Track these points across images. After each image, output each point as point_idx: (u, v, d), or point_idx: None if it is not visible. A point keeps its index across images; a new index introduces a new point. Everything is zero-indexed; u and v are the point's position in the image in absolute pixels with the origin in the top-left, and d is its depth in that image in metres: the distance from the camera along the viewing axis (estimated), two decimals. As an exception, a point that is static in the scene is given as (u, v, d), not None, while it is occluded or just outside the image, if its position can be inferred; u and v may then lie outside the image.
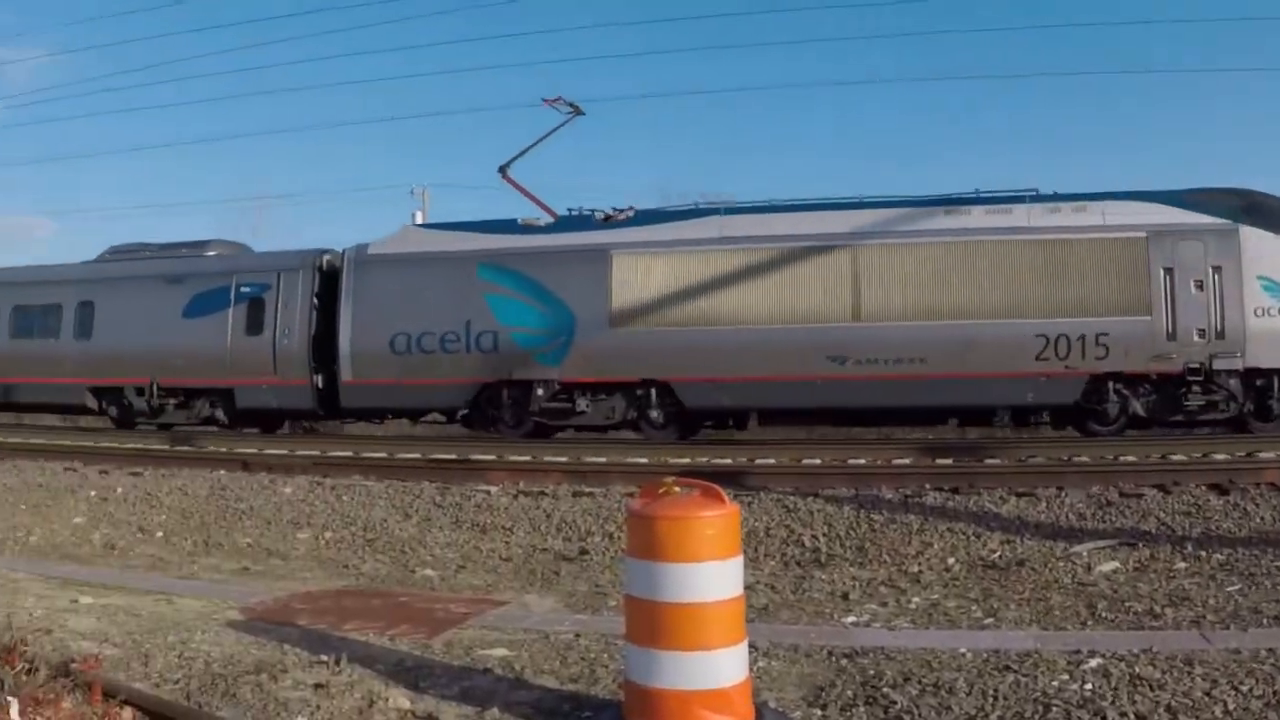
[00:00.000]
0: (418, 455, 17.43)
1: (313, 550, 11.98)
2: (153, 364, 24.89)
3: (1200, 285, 19.44)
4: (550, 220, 23.48)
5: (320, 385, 24.05)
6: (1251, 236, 19.53)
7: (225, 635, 7.76)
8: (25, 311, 26.89)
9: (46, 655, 6.18)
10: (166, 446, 19.16)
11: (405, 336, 22.77)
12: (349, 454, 17.59)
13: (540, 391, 22.43)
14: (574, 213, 23.47)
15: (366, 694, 6.19)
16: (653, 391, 22.09)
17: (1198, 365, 19.52)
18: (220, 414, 25.07)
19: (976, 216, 21.23)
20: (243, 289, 24.58)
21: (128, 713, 5.48)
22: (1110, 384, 20.25)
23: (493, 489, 13.85)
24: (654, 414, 22.19)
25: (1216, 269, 19.50)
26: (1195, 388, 19.70)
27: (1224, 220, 19.89)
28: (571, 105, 24.86)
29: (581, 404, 22.33)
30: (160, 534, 12.66)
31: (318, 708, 5.94)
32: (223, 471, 15.47)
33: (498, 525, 12.47)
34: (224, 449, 18.62)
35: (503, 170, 24.60)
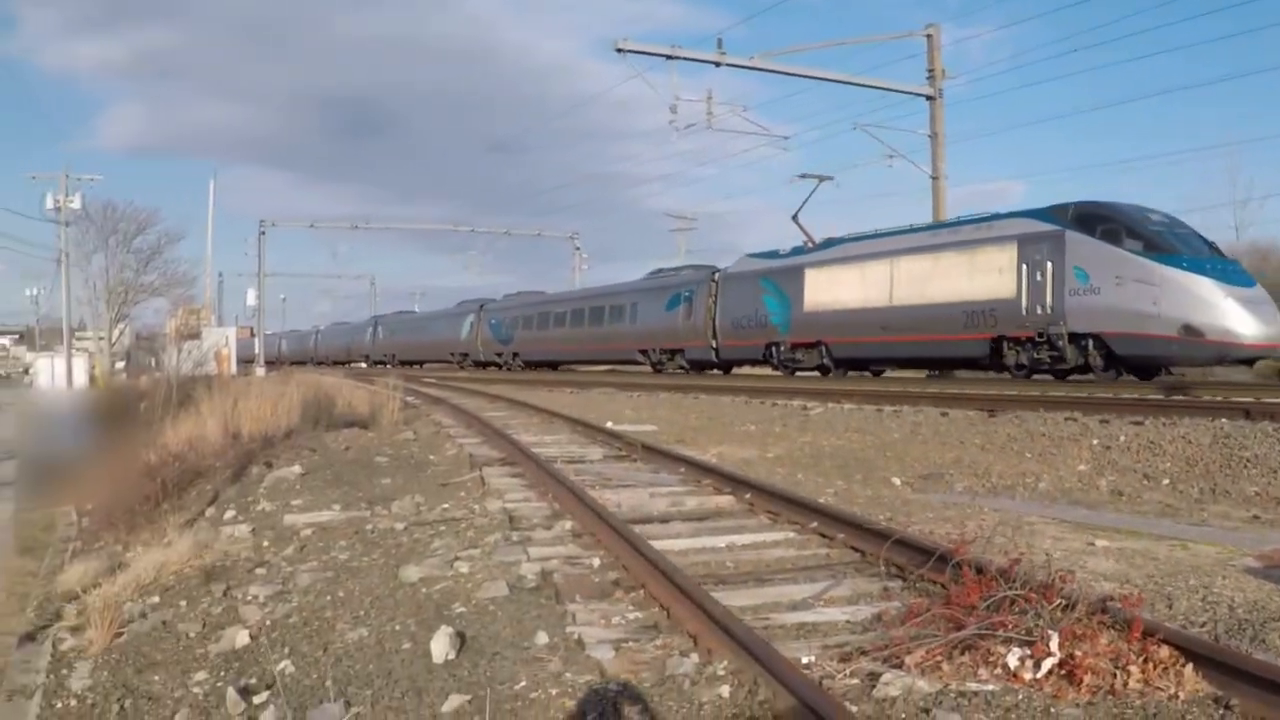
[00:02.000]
0: None
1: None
2: (656, 336, 42.23)
3: (1042, 275, 25.06)
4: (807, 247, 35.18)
5: (714, 346, 38.67)
6: (1072, 238, 24.52)
7: (1245, 581, 7.28)
8: (613, 309, 46.23)
9: (1083, 593, 5.87)
10: (1162, 396, 18.34)
11: (737, 319, 36.66)
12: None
13: (782, 349, 34.14)
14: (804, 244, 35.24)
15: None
16: (823, 348, 32.28)
17: (1040, 331, 25.02)
18: (684, 363, 40.89)
19: (943, 235, 28.73)
20: (684, 293, 40.54)
21: (1164, 651, 5.10)
22: (1004, 344, 26.11)
23: None
24: (826, 362, 32.36)
25: (1052, 262, 24.82)
26: (1045, 347, 25.20)
27: (1058, 227, 24.95)
28: (819, 176, 37.72)
29: (799, 355, 33.50)
30: (1166, 481, 12.14)
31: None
32: (1224, 420, 14.52)
33: None
34: (1219, 398, 17.60)
35: (794, 217, 37.13)
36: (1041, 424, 15.24)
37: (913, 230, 30.40)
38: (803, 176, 38.38)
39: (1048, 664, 4.93)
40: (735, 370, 40.18)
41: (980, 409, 17.18)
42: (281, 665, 6.41)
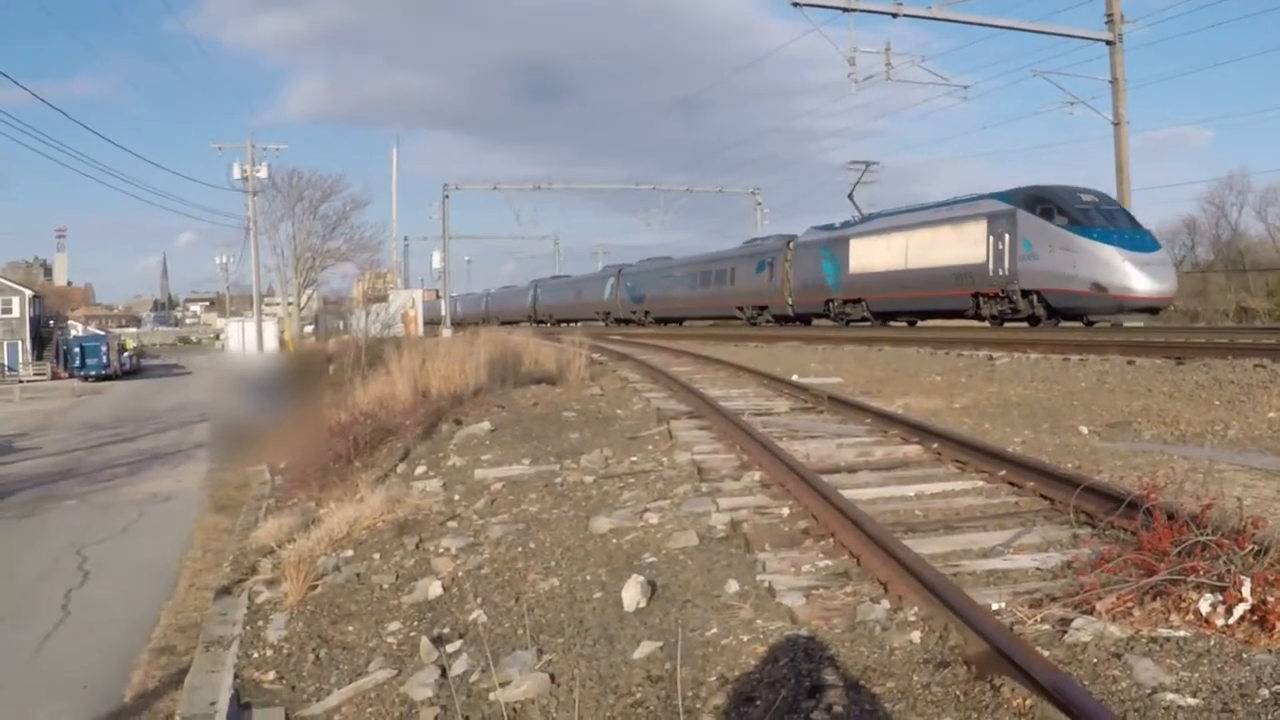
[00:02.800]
0: None
1: None
2: (748, 295, 46.93)
3: (1002, 244, 30.05)
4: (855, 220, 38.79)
5: (790, 304, 43.15)
6: (1021, 216, 29.49)
7: None
8: (718, 273, 51.06)
9: (1275, 538, 5.54)
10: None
11: (804, 280, 41.79)
12: None
13: (835, 305, 38.87)
14: (851, 218, 39.80)
15: None
16: (864, 303, 37.15)
17: (1001, 289, 29.70)
18: (769, 317, 44.84)
19: (942, 213, 33.49)
20: (767, 259, 44.98)
21: None
22: (980, 299, 30.72)
23: None
24: (865, 315, 36.67)
25: (1008, 235, 30.08)
26: (1007, 301, 29.92)
27: (1013, 206, 29.74)
28: (865, 162, 44.11)
29: (847, 309, 37.84)
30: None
31: None
32: None
33: None
34: None
35: (850, 196, 42.76)
36: (1230, 371, 14.17)
37: (924, 208, 35.26)
38: (852, 163, 45.13)
39: (1240, 610, 4.60)
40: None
41: (1168, 357, 16.36)
42: (474, 615, 6.50)
